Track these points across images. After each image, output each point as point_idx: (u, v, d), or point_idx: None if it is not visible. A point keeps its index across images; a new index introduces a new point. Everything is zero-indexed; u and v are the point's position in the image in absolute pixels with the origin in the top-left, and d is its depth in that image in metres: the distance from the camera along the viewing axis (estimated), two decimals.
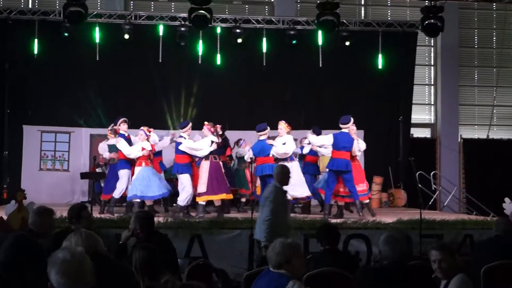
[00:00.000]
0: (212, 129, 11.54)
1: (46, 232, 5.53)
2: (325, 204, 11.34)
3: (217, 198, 11.28)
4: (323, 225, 6.68)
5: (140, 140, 11.47)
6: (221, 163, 11.55)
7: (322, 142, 11.54)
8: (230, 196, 11.76)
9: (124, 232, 6.22)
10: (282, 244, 4.31)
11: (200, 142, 11.34)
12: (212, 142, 11.26)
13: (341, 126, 11.30)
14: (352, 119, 11.38)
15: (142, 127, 11.66)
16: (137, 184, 11.22)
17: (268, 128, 11.59)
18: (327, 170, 11.38)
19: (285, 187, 10.97)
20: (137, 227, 5.95)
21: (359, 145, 11.49)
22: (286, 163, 11.20)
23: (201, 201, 11.24)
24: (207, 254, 9.30)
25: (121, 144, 11.42)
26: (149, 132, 11.71)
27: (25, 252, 3.93)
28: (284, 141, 11.33)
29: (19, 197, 9.41)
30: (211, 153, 11.29)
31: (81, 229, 4.41)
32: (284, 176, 7.86)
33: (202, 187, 11.21)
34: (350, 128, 11.36)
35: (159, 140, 12.28)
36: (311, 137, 12.03)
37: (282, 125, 11.55)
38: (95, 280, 2.99)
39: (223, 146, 12.61)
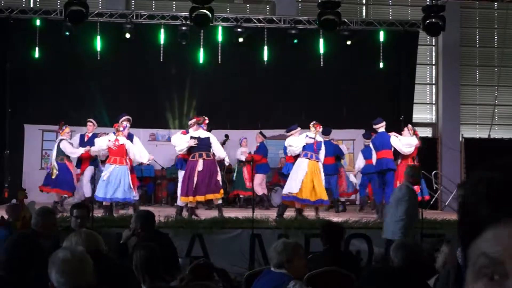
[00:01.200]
0: (192, 123, 11.02)
1: (49, 232, 5.54)
2: (376, 205, 11.66)
3: (185, 200, 10.68)
4: (326, 224, 6.66)
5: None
6: (200, 161, 10.58)
7: (373, 154, 11.60)
8: (201, 198, 10.81)
9: (125, 232, 6.24)
10: (284, 243, 4.31)
11: (177, 138, 11.01)
12: (191, 137, 10.69)
13: (375, 127, 11.62)
14: (384, 122, 11.64)
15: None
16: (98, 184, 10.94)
17: (299, 128, 11.54)
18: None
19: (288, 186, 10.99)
20: (138, 226, 5.96)
21: (402, 141, 11.44)
22: (303, 158, 11.20)
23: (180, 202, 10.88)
24: (208, 254, 9.29)
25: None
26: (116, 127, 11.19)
27: (26, 252, 3.93)
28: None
29: (20, 196, 9.41)
30: (192, 150, 10.69)
31: (82, 229, 4.42)
32: (414, 176, 8.17)
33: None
34: (406, 130, 11.68)
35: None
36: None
37: (311, 126, 11.46)
38: (96, 280, 2.99)
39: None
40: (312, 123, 11.47)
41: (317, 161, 11.19)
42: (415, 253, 4.24)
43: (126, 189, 10.81)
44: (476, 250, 0.85)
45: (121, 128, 11.12)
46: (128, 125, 11.45)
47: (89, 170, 12.06)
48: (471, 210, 0.87)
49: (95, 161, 12.21)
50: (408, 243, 4.33)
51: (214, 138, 11.01)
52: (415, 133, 11.91)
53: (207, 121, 11.16)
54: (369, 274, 4.05)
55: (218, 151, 10.93)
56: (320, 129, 11.46)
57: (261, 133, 14.02)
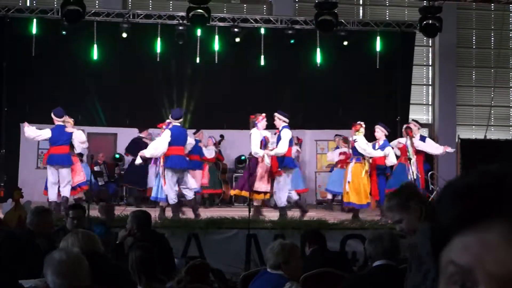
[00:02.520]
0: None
1: (44, 231, 5.53)
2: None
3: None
4: (309, 229, 6.76)
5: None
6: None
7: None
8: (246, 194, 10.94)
9: (121, 232, 6.22)
10: (281, 245, 4.32)
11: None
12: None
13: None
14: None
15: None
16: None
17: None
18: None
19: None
20: (134, 226, 5.95)
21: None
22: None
23: None
24: (204, 254, 9.29)
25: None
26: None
27: (18, 250, 3.92)
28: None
29: (16, 195, 9.40)
30: None
31: (79, 229, 4.41)
32: None
33: None
34: (405, 132, 11.99)
35: None
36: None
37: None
38: (92, 280, 2.99)
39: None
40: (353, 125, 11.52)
41: (359, 163, 11.16)
42: (387, 243, 4.19)
43: (158, 189, 10.76)
44: (445, 258, 0.85)
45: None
46: (170, 121, 11.09)
47: (52, 173, 11.28)
48: (439, 217, 0.87)
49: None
50: (379, 233, 4.31)
51: (252, 135, 10.69)
52: (409, 134, 11.99)
53: (261, 118, 10.89)
54: (349, 281, 4.04)
55: (252, 147, 10.64)
56: (360, 129, 11.31)
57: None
